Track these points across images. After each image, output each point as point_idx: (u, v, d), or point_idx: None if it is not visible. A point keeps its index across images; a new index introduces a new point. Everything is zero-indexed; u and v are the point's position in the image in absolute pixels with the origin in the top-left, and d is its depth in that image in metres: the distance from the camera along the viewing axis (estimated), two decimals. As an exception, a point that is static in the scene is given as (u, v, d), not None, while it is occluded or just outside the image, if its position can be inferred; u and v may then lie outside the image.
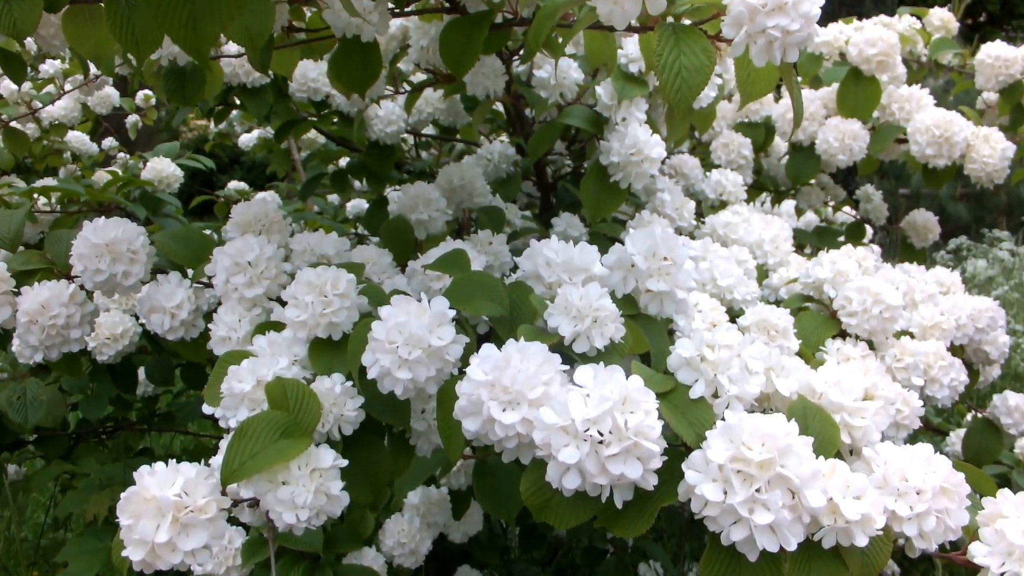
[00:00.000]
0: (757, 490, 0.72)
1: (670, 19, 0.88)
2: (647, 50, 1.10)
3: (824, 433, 0.83)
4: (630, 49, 1.42)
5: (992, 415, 1.53)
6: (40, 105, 2.47)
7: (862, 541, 0.76)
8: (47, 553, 2.48)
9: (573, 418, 0.75)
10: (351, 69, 1.29)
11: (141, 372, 1.94)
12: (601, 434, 0.75)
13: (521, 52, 1.63)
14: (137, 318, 1.72)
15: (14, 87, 2.37)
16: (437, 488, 1.69)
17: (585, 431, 0.75)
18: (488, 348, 0.85)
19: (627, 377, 0.80)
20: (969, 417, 1.66)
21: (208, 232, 1.40)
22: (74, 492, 1.93)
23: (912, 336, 1.38)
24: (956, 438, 1.75)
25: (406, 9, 1.34)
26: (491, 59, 1.51)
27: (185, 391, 2.36)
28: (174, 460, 0.87)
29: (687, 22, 0.87)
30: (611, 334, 0.91)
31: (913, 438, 1.17)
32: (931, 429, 1.88)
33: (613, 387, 0.77)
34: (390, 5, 1.26)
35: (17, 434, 1.91)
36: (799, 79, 1.67)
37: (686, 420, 0.81)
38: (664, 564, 2.09)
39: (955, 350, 1.41)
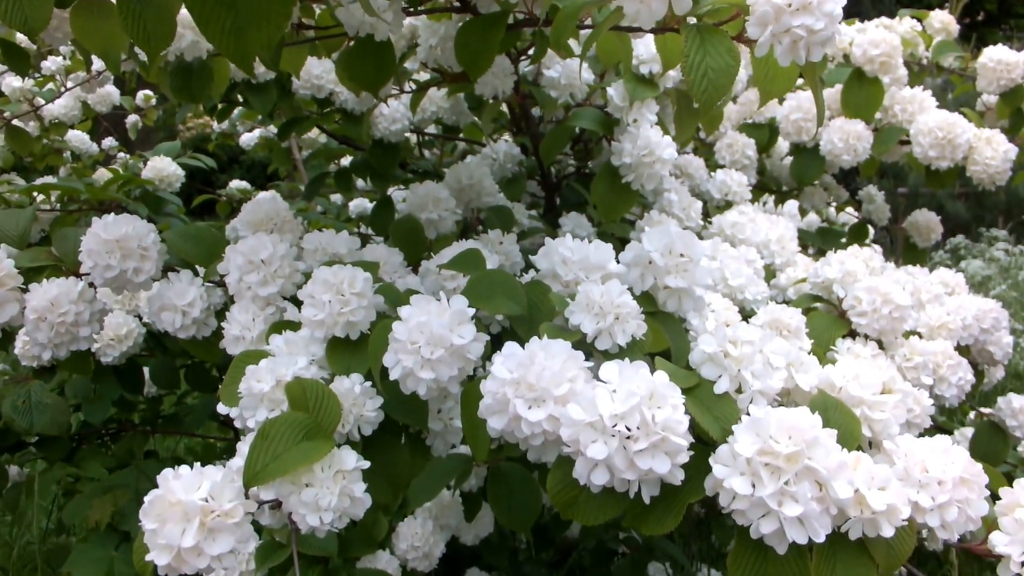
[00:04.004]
0: (786, 483, 0.73)
1: (692, 19, 0.89)
2: (664, 51, 1.11)
3: (845, 426, 0.84)
4: (641, 50, 1.43)
5: (998, 418, 1.54)
6: (43, 102, 2.46)
7: (888, 531, 0.76)
8: (49, 557, 2.46)
9: (601, 414, 0.76)
10: (364, 68, 1.29)
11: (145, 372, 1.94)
12: (629, 429, 0.75)
13: (530, 52, 1.63)
14: (141, 319, 1.72)
15: (16, 84, 2.36)
16: (450, 491, 1.69)
17: (613, 426, 0.75)
18: (511, 346, 0.85)
19: (651, 373, 0.80)
20: (972, 415, 1.67)
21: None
22: (79, 496, 1.92)
23: (920, 336, 1.39)
24: (960, 436, 1.76)
25: (419, 8, 1.34)
26: (500, 58, 1.52)
27: (189, 392, 2.35)
28: (193, 464, 0.87)
29: (710, 23, 0.88)
30: (632, 331, 0.91)
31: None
32: (936, 428, 1.89)
33: (639, 382, 0.77)
34: (403, 4, 1.26)
35: (19, 436, 1.90)
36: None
37: (711, 415, 0.82)
38: (680, 562, 2.09)
39: (960, 350, 1.43)
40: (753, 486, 0.74)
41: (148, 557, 0.81)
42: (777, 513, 0.73)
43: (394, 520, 1.65)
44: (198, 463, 0.88)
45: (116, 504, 1.80)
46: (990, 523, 0.86)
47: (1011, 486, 0.87)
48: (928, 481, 0.81)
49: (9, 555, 2.61)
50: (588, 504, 0.83)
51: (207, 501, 0.82)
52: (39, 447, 2.03)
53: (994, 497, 0.87)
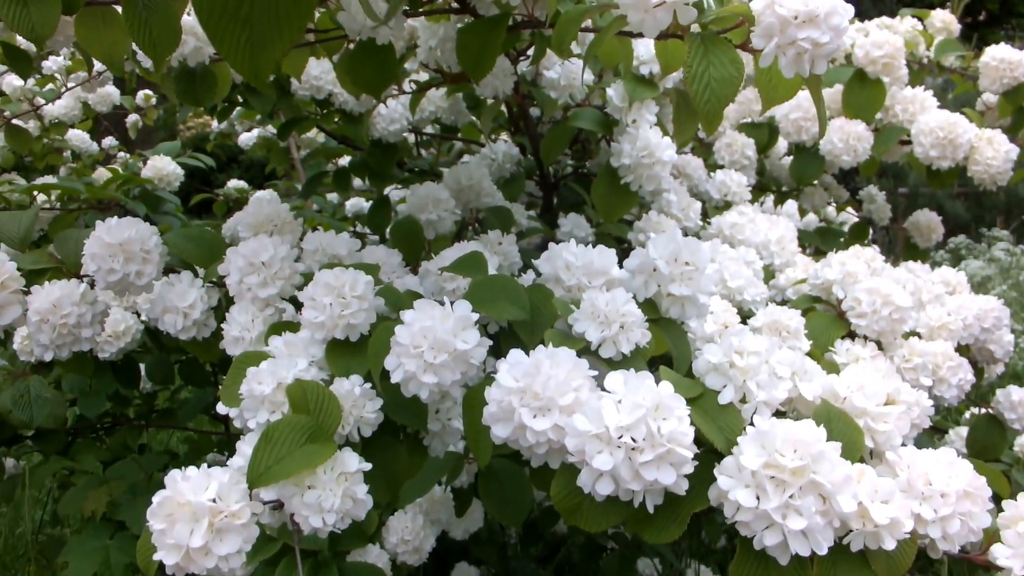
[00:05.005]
0: (790, 496, 0.73)
1: (695, 28, 0.89)
2: (664, 57, 1.11)
3: (849, 438, 0.84)
4: (641, 51, 1.43)
5: (996, 411, 1.55)
6: (43, 102, 2.45)
7: (890, 544, 0.77)
8: (44, 549, 2.47)
9: (607, 425, 0.76)
10: (366, 71, 1.29)
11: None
12: (635, 440, 0.75)
13: (528, 52, 1.63)
14: (139, 315, 1.72)
15: (17, 84, 2.35)
16: (441, 487, 1.69)
17: (619, 438, 0.76)
18: (516, 354, 0.85)
19: (656, 382, 0.81)
20: (968, 414, 1.67)
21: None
22: (75, 488, 1.93)
23: (920, 336, 1.40)
24: (956, 436, 1.76)
25: (419, 10, 1.33)
26: (501, 59, 1.51)
27: (183, 387, 2.35)
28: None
29: (714, 31, 0.87)
30: (637, 339, 0.91)
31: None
32: (930, 427, 1.89)
33: (645, 394, 0.77)
34: (404, 7, 1.26)
35: (15, 429, 1.91)
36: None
37: (716, 426, 0.82)
38: (669, 560, 2.10)
39: (960, 349, 1.43)
40: (758, 498, 0.74)
41: (156, 556, 0.81)
42: (781, 526, 0.74)
43: (384, 514, 1.65)
44: (195, 457, 0.88)
45: (111, 495, 1.81)
46: (991, 533, 0.86)
47: (1008, 484, 0.88)
48: (931, 493, 0.82)
49: (3, 545, 2.62)
50: (592, 511, 0.83)
51: (215, 502, 0.83)
52: (35, 440, 2.04)
53: (995, 496, 0.87)
